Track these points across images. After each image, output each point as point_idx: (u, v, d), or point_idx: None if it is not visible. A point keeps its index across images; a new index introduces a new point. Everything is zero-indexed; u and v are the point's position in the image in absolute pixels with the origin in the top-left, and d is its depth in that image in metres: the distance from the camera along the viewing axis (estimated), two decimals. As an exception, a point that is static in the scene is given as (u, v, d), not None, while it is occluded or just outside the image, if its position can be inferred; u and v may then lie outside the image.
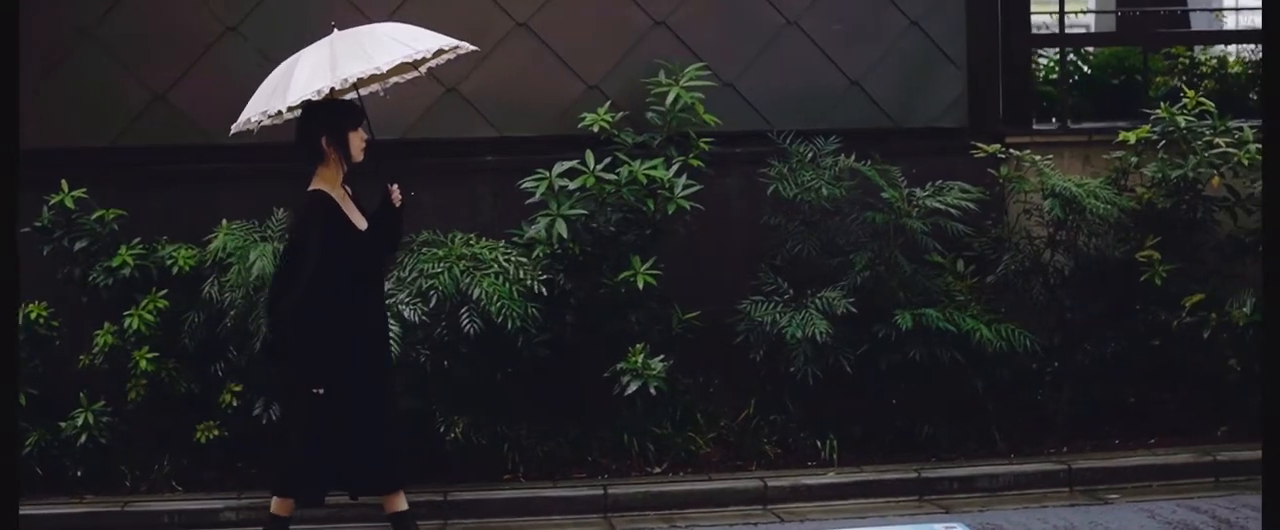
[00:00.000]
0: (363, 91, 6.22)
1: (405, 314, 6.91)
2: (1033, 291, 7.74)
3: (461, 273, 7.02)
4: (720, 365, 7.72)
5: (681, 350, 7.60)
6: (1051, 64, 12.53)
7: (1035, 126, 8.89)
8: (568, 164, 7.32)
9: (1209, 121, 8.12)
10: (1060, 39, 9.45)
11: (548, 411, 7.51)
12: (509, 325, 6.91)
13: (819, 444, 7.50)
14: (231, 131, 6.12)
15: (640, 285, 7.21)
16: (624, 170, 7.32)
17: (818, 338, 7.24)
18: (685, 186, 7.33)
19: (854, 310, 7.37)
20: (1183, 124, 8.04)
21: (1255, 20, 14.50)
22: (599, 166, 7.32)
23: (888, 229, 7.58)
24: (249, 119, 5.97)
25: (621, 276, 7.25)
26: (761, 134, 7.92)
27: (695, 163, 7.54)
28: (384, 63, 5.79)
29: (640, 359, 7.11)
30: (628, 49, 7.97)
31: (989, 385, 7.49)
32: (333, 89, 5.76)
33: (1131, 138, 8.05)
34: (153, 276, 7.31)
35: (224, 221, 7.28)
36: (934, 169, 8.05)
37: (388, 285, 7.22)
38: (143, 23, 7.77)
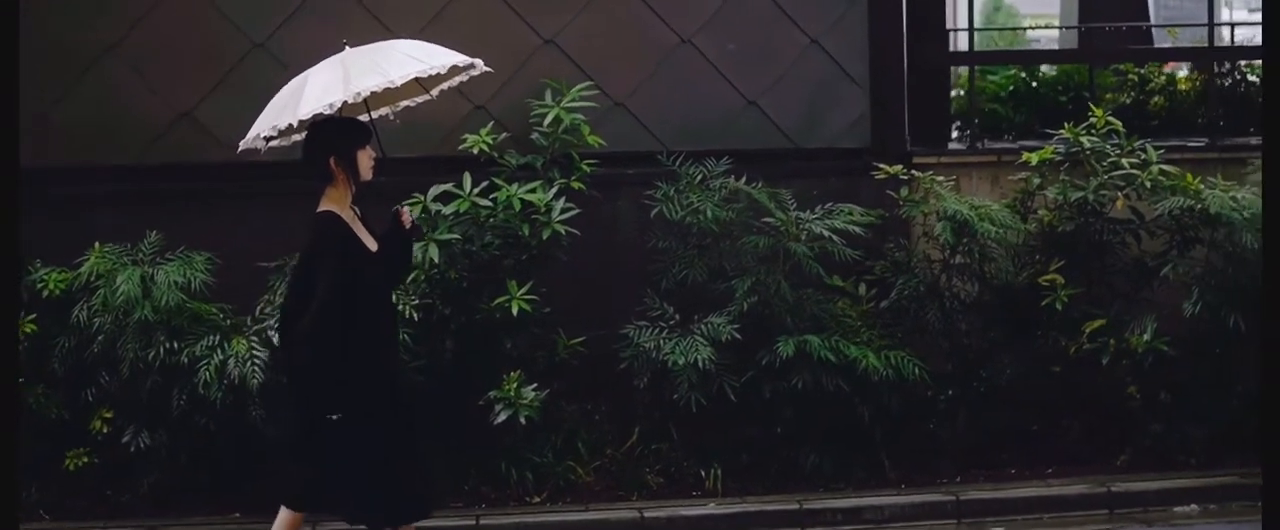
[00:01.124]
0: (374, 113, 6.17)
1: (274, 339, 6.86)
2: (927, 317, 7.63)
3: (332, 297, 6.94)
4: (606, 392, 7.66)
5: (566, 377, 7.56)
6: (1003, 80, 12.49)
7: (952, 146, 8.80)
8: (443, 187, 7.27)
9: (1117, 142, 8.01)
10: (969, 57, 9.35)
11: (427, 439, 7.41)
12: (377, 351, 6.82)
13: (703, 473, 7.43)
14: (239, 149, 6.03)
15: (515, 311, 7.13)
16: (502, 194, 7.26)
17: (701, 364, 7.15)
18: (563, 210, 7.27)
19: (738, 336, 7.29)
20: (1087, 144, 7.95)
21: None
22: (475, 190, 7.26)
23: (775, 253, 7.47)
24: (258, 135, 5.88)
25: (497, 302, 7.18)
26: (653, 155, 7.83)
27: (577, 186, 7.48)
28: (397, 76, 5.70)
29: (514, 387, 7.05)
30: (516, 68, 7.92)
31: (876, 413, 7.39)
32: (345, 102, 5.67)
33: (1033, 159, 7.96)
34: (22, 300, 7.27)
35: (97, 244, 7.25)
36: (835, 191, 8.02)
37: (259, 310, 7.19)
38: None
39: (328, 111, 5.65)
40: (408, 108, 6.32)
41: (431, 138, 7.88)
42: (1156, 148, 7.98)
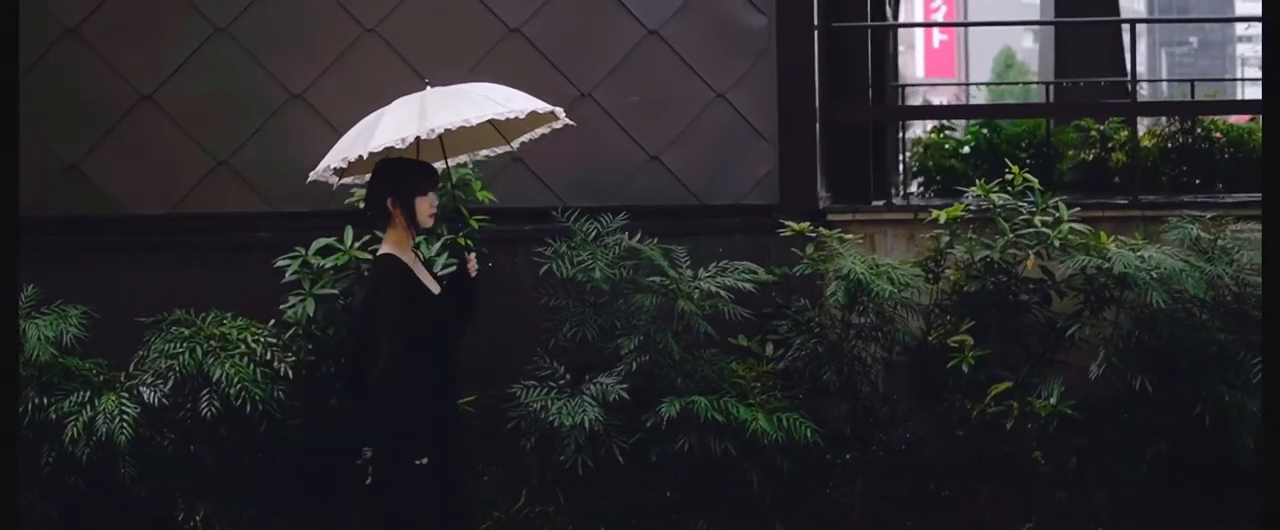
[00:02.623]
0: (451, 160, 6.21)
1: (145, 396, 6.83)
2: (824, 377, 7.52)
3: (205, 353, 6.94)
4: (497, 453, 7.56)
5: (465, 437, 7.44)
6: (972, 135, 12.46)
7: (880, 202, 8.74)
8: (324, 241, 7.24)
9: (1031, 199, 7.91)
10: (900, 112, 9.29)
11: (313, 498, 7.35)
12: (247, 408, 6.78)
13: (591, 538, 7.31)
14: (309, 179, 6.03)
15: (393, 368, 7.04)
16: (385, 248, 7.22)
17: (588, 425, 7.06)
18: (444, 265, 7.20)
19: (626, 396, 7.19)
20: (998, 202, 7.85)
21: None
22: (357, 244, 7.22)
23: (668, 312, 7.39)
24: (329, 167, 5.90)
25: (376, 359, 7.10)
26: (550, 211, 7.77)
27: (463, 242, 7.41)
28: (474, 116, 5.69)
29: (389, 444, 6.95)
30: (409, 122, 7.86)
31: (768, 477, 7.27)
32: (418, 138, 5.66)
33: (942, 217, 7.87)
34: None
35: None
36: (742, 248, 7.98)
37: (134, 366, 7.17)
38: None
39: (400, 146, 5.64)
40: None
41: (324, 191, 7.82)
42: (1071, 206, 7.87)
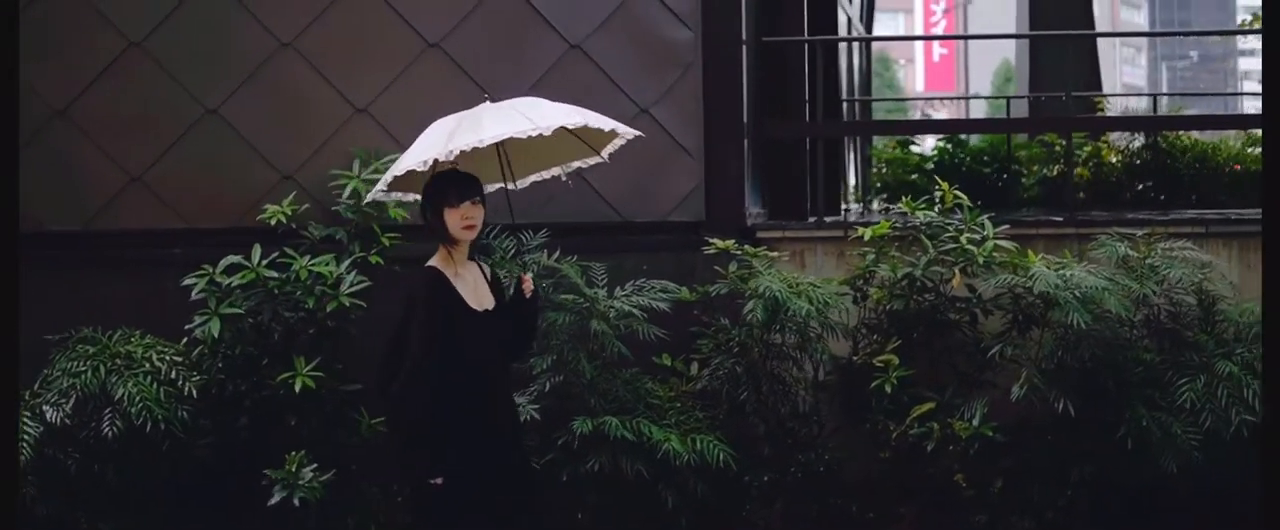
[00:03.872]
0: (546, 173, 6.31)
1: (48, 414, 6.80)
2: (741, 398, 7.44)
3: (108, 372, 6.90)
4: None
5: (370, 456, 7.39)
6: (938, 151, 12.40)
7: (811, 219, 8.67)
8: (232, 259, 7.19)
9: (960, 217, 7.84)
10: (828, 128, 9.24)
11: (221, 517, 7.31)
12: (148, 427, 6.74)
13: (500, 560, 7.21)
14: (365, 200, 6.13)
15: (298, 388, 7.01)
16: (295, 266, 7.18)
17: (496, 446, 6.99)
18: (354, 283, 7.16)
19: (537, 416, 7.15)
20: (922, 219, 7.78)
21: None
22: (264, 261, 7.18)
23: (583, 331, 7.33)
24: (381, 187, 5.86)
25: (281, 378, 7.07)
26: (468, 228, 7.71)
27: (374, 260, 7.38)
28: (489, 136, 5.52)
29: (294, 467, 6.90)
30: (327, 137, 7.87)
31: (682, 499, 7.19)
32: (437, 160, 5.56)
33: (867, 234, 7.80)
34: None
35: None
36: (667, 266, 7.93)
37: (37, 385, 7.12)
38: None
39: (421, 168, 5.54)
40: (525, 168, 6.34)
41: (237, 208, 7.83)
42: (999, 223, 7.79)
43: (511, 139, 5.59)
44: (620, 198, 8.13)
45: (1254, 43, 56.81)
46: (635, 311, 7.31)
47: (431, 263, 5.68)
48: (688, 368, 7.77)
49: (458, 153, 5.46)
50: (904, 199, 8.00)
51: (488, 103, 5.85)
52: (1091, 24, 16.84)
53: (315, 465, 6.98)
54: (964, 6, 44.77)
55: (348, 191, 7.45)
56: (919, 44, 48.23)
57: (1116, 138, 12.28)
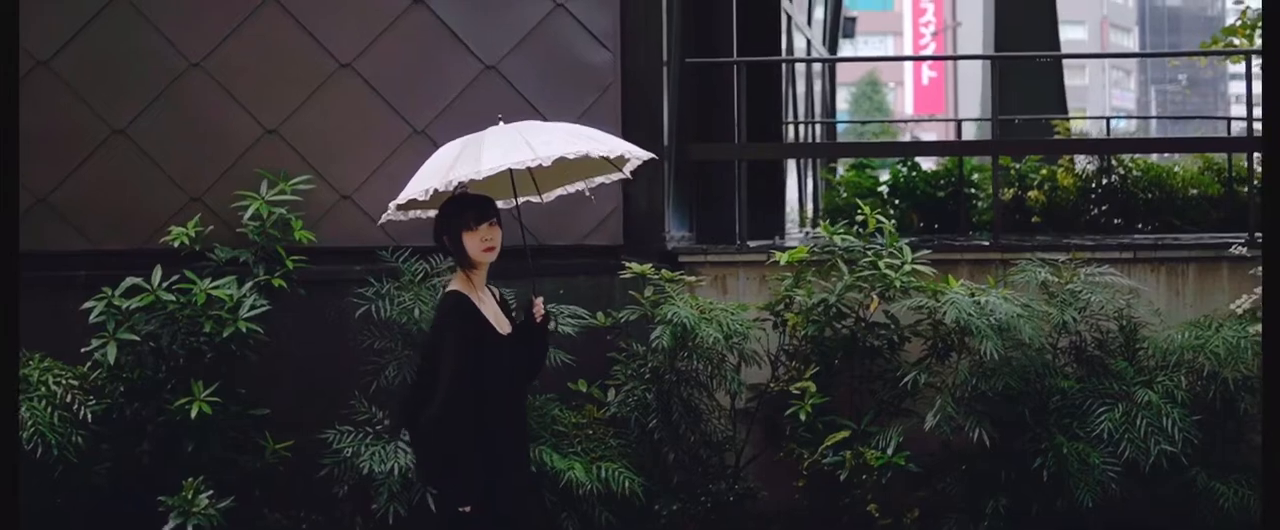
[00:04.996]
0: (571, 187, 6.14)
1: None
2: (650, 425, 7.32)
3: None
4: (315, 500, 7.37)
5: (273, 483, 7.28)
6: (893, 174, 12.30)
7: (741, 243, 8.55)
8: (133, 281, 7.08)
9: (880, 242, 7.73)
10: (769, 148, 9.11)
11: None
12: (39, 452, 6.62)
13: (403, 588, 7.10)
14: (380, 221, 5.84)
15: (194, 413, 6.90)
16: (195, 290, 7.07)
17: (397, 472, 6.87)
18: (253, 307, 7.05)
19: (440, 443, 7.01)
20: (840, 244, 7.66)
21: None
22: (165, 284, 7.07)
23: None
24: (389, 208, 5.73)
25: (178, 403, 6.95)
26: (378, 251, 7.59)
27: (277, 283, 7.26)
28: (486, 168, 5.37)
29: (190, 494, 6.79)
30: (236, 158, 7.76)
31: (585, 528, 7.05)
32: (436, 190, 5.45)
33: (783, 259, 7.69)
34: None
35: None
36: (584, 290, 7.83)
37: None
38: None
39: (422, 197, 5.45)
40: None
41: (143, 230, 7.73)
42: (918, 249, 7.68)
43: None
44: (536, 221, 7.97)
45: (1242, 67, 56.64)
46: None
47: (454, 287, 5.54)
48: (605, 393, 7.66)
49: (456, 184, 5.37)
50: (823, 223, 7.90)
51: (500, 124, 5.72)
52: (1057, 47, 16.79)
53: (211, 492, 6.86)
54: (953, 30, 44.66)
55: (250, 213, 7.34)
56: (908, 68, 48.20)
57: (1087, 161, 12.16)
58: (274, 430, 7.41)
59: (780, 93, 11.26)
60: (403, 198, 5.52)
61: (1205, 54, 18.19)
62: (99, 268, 7.66)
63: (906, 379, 7.36)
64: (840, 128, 36.69)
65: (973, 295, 7.32)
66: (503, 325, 5.62)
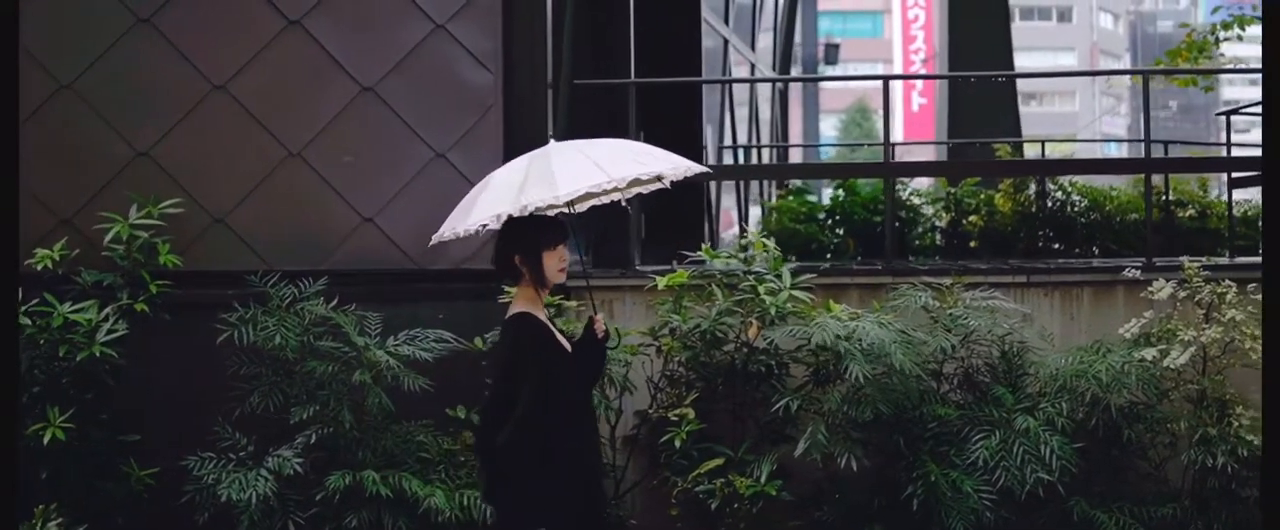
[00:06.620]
0: (581, 206, 5.91)
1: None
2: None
3: None
4: (178, 527, 7.23)
5: (139, 510, 7.16)
6: (834, 200, 12.19)
7: (627, 267, 8.43)
8: (-10, 304, 6.96)
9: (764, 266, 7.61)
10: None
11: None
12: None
13: (263, 618, 6.97)
14: (429, 244, 5.70)
15: (47, 438, 6.79)
16: (56, 314, 6.97)
17: (255, 500, 6.75)
18: (109, 331, 6.94)
19: (299, 469, 6.92)
20: (721, 268, 7.54)
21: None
22: (23, 308, 6.97)
23: (354, 381, 7.10)
24: (443, 234, 5.60)
25: (32, 429, 6.84)
26: (244, 275, 7.47)
27: (140, 307, 7.15)
28: (565, 193, 5.24)
29: (39, 523, 6.66)
30: (106, 181, 7.66)
31: (447, 556, 6.94)
32: (511, 216, 5.31)
33: (661, 283, 7.56)
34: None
35: None
36: (463, 314, 7.69)
37: None
38: None
39: (494, 224, 5.33)
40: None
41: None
42: (798, 274, 7.56)
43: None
44: (414, 244, 7.90)
45: (1231, 93, 56.67)
46: (394, 362, 7.05)
47: (521, 309, 5.41)
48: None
49: (533, 208, 5.24)
50: (704, 246, 7.77)
51: (553, 144, 5.59)
52: (1011, 66, 16.69)
53: (61, 519, 6.74)
54: (944, 56, 44.25)
55: (110, 235, 7.25)
56: (898, 95, 48.13)
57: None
58: (143, 457, 7.30)
59: (699, 116, 11.13)
60: (473, 223, 5.31)
61: (1150, 72, 18.06)
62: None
63: (778, 405, 7.23)
64: (825, 153, 36.60)
65: (851, 320, 7.20)
66: (566, 343, 5.55)
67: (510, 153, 7.97)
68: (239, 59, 7.84)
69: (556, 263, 5.45)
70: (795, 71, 19.12)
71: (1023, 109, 17.61)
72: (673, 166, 5.66)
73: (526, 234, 5.43)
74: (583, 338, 5.68)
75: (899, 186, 12.37)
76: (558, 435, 5.27)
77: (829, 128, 49.82)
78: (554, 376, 5.29)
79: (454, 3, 7.89)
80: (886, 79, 9.11)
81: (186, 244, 7.64)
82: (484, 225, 5.33)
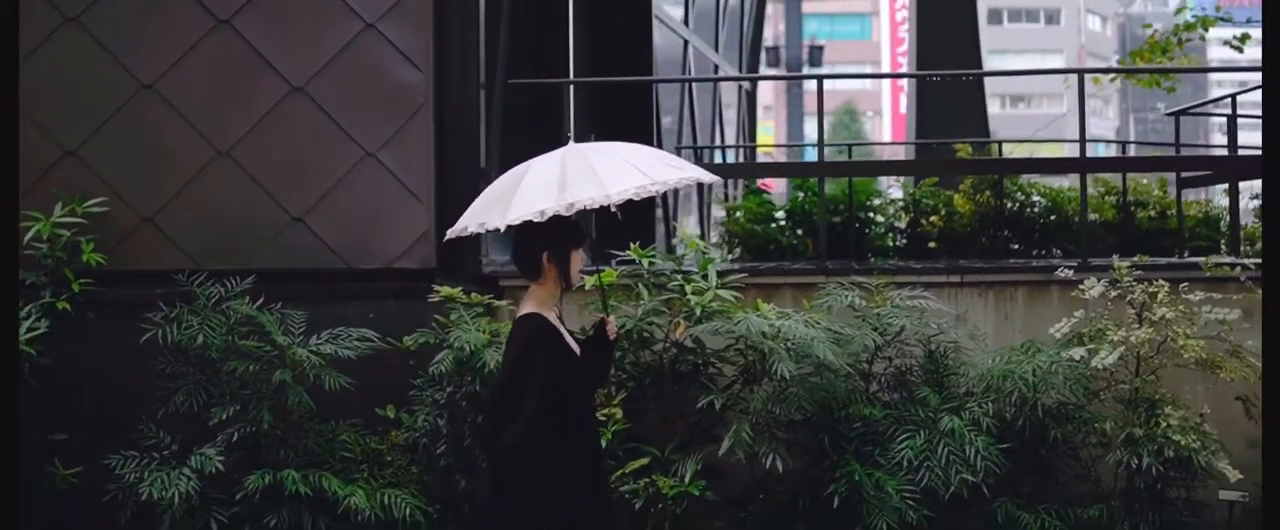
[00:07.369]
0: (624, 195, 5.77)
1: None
2: (438, 451, 7.16)
3: None
4: (101, 527, 7.22)
5: (61, 510, 7.13)
6: (793, 201, 12.16)
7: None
8: (-91, 303, 6.93)
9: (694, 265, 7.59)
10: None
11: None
12: None
13: (184, 617, 6.95)
14: (446, 238, 5.64)
15: (-35, 438, 6.73)
16: (-24, 311, 6.93)
17: (177, 499, 6.73)
18: (30, 330, 6.92)
19: (221, 468, 6.90)
20: (649, 265, 7.52)
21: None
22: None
23: (277, 381, 7.07)
24: (466, 228, 5.49)
25: (-53, 429, 6.79)
26: (171, 274, 7.44)
27: (62, 306, 7.13)
28: (615, 193, 5.26)
29: (-43, 521, 6.62)
30: (33, 180, 7.66)
31: (369, 556, 6.92)
32: (557, 213, 5.27)
33: (588, 282, 7.52)
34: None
35: None
36: (394, 313, 7.68)
37: None
38: None
39: (538, 218, 5.22)
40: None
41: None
42: (726, 274, 7.54)
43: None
44: (343, 243, 7.89)
45: (1221, 93, 56.25)
46: (311, 358, 7.03)
47: (531, 310, 5.39)
48: (414, 418, 7.50)
49: (581, 206, 5.19)
50: (633, 245, 7.75)
51: (574, 145, 5.58)
52: (979, 65, 16.68)
53: (-17, 520, 6.71)
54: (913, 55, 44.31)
55: (31, 234, 7.23)
56: (886, 97, 48.14)
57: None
58: (69, 456, 7.29)
59: (652, 117, 11.11)
60: (515, 217, 5.21)
61: (1085, 71, 18.03)
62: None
63: (702, 403, 7.21)
64: (809, 154, 36.50)
65: (779, 318, 7.18)
66: (575, 345, 5.53)
67: (442, 152, 8.00)
68: (168, 58, 7.83)
69: (578, 264, 5.47)
70: (779, 72, 19.19)
71: (1010, 111, 17.73)
72: (699, 174, 5.65)
73: (561, 232, 5.40)
74: (592, 338, 5.71)
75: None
76: (563, 435, 5.26)
77: (813, 130, 49.78)
78: (563, 379, 5.28)
79: (384, 2, 7.88)
80: (820, 78, 9.10)
81: (115, 243, 7.63)
82: (528, 219, 5.20)
